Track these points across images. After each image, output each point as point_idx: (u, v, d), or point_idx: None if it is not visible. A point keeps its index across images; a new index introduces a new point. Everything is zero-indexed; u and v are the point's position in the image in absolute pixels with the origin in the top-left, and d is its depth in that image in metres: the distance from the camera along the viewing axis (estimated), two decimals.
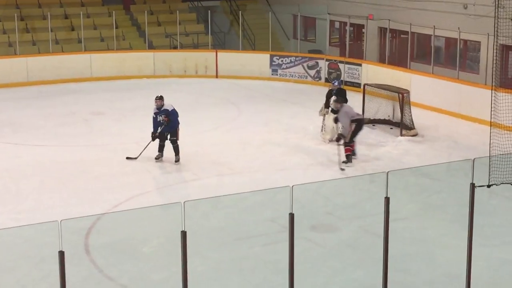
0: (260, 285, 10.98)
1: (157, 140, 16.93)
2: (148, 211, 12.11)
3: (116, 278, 11.12)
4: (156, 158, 17.01)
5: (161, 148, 17.05)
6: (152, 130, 16.93)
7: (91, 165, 16.88)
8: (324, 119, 19.01)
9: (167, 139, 16.97)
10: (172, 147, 16.91)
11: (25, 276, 11.22)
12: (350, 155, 16.83)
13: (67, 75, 26.52)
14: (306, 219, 13.06)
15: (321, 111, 19.21)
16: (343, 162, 16.70)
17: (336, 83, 19.17)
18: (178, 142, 16.93)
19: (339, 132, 17.11)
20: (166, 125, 16.81)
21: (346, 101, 18.57)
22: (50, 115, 21.78)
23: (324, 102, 19.13)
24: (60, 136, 19.51)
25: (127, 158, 17.06)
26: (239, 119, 21.56)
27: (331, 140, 18.34)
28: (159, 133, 16.85)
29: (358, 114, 17.39)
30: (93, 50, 27.60)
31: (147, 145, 16.96)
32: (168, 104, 17.02)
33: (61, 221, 7.13)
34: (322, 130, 19.07)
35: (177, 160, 16.90)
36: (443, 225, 13.45)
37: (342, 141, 16.86)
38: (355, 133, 16.93)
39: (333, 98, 18.20)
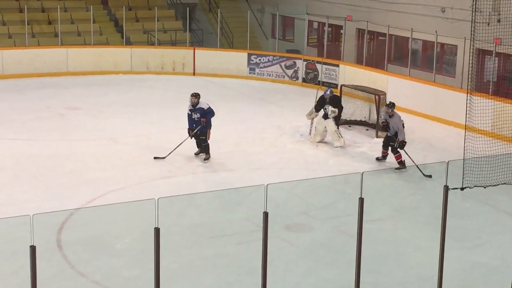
0: (233, 284, 10.96)
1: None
2: (121, 207, 12.02)
3: (88, 274, 11.04)
4: (196, 154, 16.96)
5: (199, 144, 16.96)
6: (188, 126, 16.83)
7: (66, 160, 16.76)
8: (312, 123, 18.89)
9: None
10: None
11: None
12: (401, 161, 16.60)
13: (43, 69, 26.32)
14: (280, 218, 13.08)
15: (310, 114, 18.94)
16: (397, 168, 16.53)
17: (328, 92, 18.56)
18: (208, 141, 16.85)
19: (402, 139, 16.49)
20: (203, 125, 16.69)
21: (341, 107, 18.76)
22: (25, 109, 21.59)
23: (314, 105, 18.80)
24: (35, 130, 19.35)
25: (155, 158, 16.74)
26: (215, 117, 21.46)
27: (320, 142, 18.40)
28: (194, 132, 16.72)
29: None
30: (70, 45, 27.39)
31: (181, 144, 16.79)
32: (203, 102, 16.85)
33: (33, 215, 7.06)
34: (310, 133, 18.93)
35: (206, 159, 16.78)
36: (416, 227, 13.52)
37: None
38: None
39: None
